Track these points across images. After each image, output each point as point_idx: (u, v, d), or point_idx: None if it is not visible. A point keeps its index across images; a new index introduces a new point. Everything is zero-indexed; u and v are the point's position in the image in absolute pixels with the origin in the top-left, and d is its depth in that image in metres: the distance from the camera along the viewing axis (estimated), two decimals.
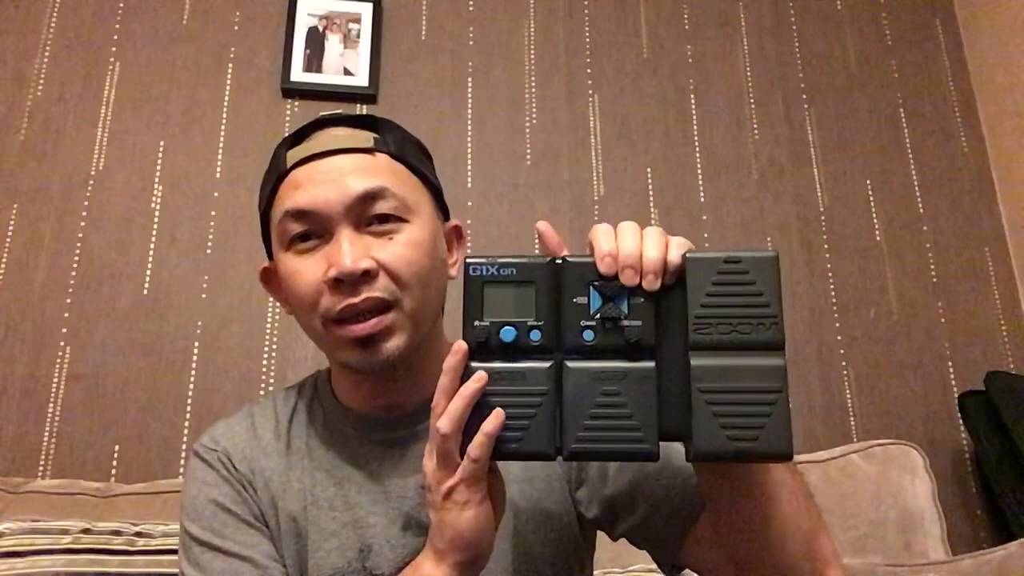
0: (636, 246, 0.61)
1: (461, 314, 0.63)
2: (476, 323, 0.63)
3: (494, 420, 0.61)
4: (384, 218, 0.79)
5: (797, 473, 0.71)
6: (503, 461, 0.65)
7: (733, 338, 0.60)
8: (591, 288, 0.62)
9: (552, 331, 0.62)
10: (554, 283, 0.63)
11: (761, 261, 0.61)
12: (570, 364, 0.62)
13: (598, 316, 0.62)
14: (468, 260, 0.64)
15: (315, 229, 0.79)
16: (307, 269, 0.78)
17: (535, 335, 0.62)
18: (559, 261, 0.63)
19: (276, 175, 0.82)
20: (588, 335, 0.62)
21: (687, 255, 0.61)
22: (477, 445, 0.62)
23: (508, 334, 0.62)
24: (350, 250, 0.76)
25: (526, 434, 0.61)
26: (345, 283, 0.76)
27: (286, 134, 0.87)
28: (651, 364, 0.62)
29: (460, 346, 0.63)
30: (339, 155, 0.81)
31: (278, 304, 1.69)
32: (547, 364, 0.62)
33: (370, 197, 0.78)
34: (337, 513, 0.82)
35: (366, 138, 0.82)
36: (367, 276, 0.76)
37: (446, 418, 0.62)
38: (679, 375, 0.61)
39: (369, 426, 0.85)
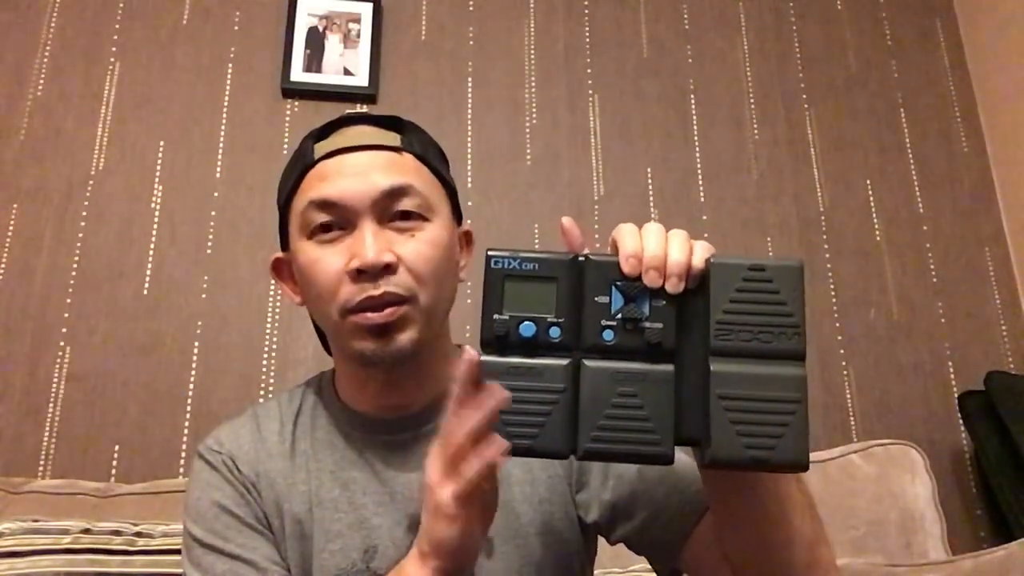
0: (661, 248, 0.61)
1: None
2: (495, 316, 0.61)
3: (494, 449, 0.60)
4: (407, 215, 0.81)
5: (801, 481, 0.70)
6: (517, 458, 0.64)
7: (754, 346, 0.60)
8: (613, 288, 0.61)
9: (572, 329, 0.62)
10: (576, 281, 0.62)
11: (786, 270, 0.60)
12: (588, 363, 0.61)
13: (619, 316, 0.61)
14: (490, 252, 0.63)
15: (338, 220, 0.80)
16: (328, 258, 0.79)
17: (554, 332, 0.61)
18: (582, 259, 0.63)
19: (302, 166, 0.84)
20: (608, 335, 0.61)
21: (711, 260, 0.61)
22: (471, 469, 0.61)
23: (528, 329, 0.61)
24: (373, 243, 0.77)
25: (541, 432, 0.60)
26: (366, 275, 0.77)
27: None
28: (670, 367, 0.61)
29: (471, 355, 0.62)
30: (367, 151, 0.83)
31: (279, 303, 1.71)
32: (565, 362, 0.61)
33: (395, 193, 0.80)
34: (342, 514, 0.82)
35: (393, 137, 0.85)
36: (388, 270, 0.78)
37: (461, 430, 0.61)
38: (698, 380, 0.61)
39: (373, 427, 0.86)
